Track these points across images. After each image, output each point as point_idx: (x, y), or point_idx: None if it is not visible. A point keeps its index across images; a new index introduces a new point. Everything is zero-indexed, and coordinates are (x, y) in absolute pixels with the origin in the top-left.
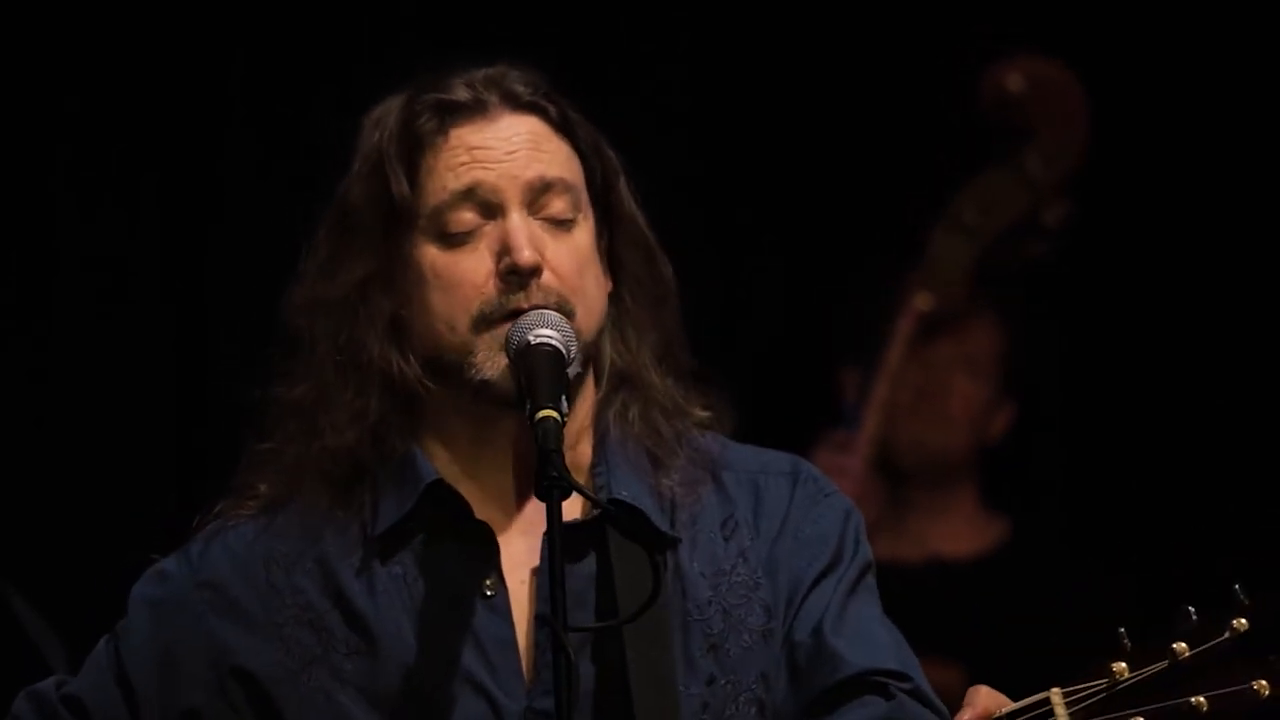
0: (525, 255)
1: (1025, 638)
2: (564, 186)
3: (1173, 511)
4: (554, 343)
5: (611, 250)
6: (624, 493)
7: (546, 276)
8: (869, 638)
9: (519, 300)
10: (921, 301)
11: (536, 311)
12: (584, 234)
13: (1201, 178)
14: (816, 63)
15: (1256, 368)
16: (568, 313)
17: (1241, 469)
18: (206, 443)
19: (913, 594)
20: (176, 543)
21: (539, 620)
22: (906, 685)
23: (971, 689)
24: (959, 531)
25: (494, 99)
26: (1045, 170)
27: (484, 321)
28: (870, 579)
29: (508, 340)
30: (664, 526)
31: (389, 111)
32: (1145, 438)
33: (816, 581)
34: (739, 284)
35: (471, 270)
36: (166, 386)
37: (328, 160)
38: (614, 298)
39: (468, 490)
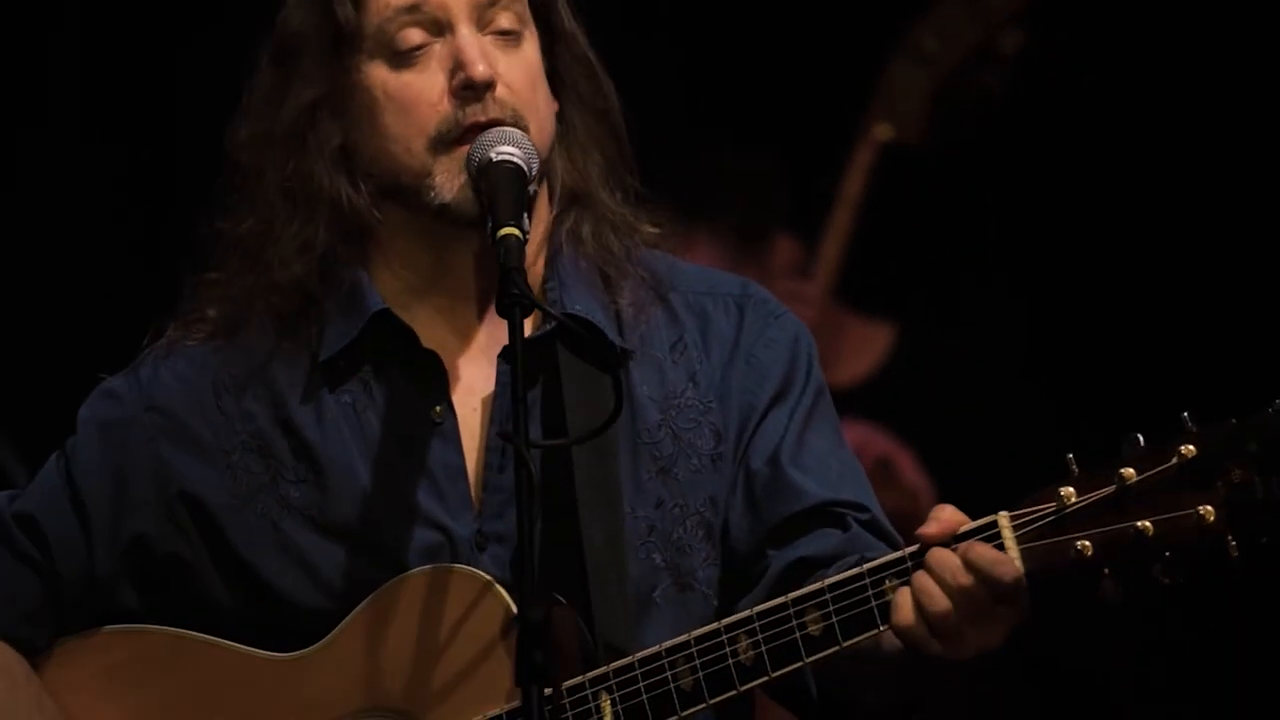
0: (480, 69)
1: None
2: (508, 1)
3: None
4: (516, 159)
5: (554, 69)
6: (577, 307)
7: (500, 90)
8: (827, 469)
9: (476, 113)
10: (880, 132)
11: (498, 129)
12: (531, 48)
13: (1158, 5)
14: None
15: (1205, 191)
16: (523, 128)
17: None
18: (164, 263)
19: None
20: (126, 360)
21: (500, 437)
22: (864, 516)
23: (938, 506)
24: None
25: None
26: None
27: (442, 141)
28: (825, 404)
29: (468, 158)
30: (616, 341)
31: None
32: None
33: (770, 407)
34: (692, 119)
35: (425, 89)
36: (124, 206)
37: None
38: (559, 116)
39: (416, 317)
